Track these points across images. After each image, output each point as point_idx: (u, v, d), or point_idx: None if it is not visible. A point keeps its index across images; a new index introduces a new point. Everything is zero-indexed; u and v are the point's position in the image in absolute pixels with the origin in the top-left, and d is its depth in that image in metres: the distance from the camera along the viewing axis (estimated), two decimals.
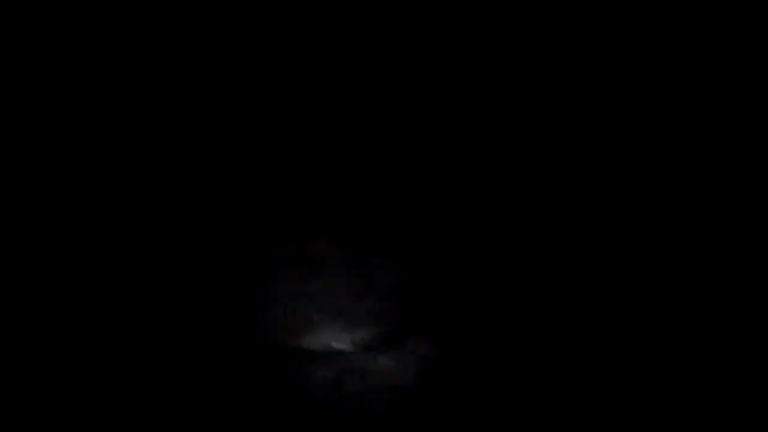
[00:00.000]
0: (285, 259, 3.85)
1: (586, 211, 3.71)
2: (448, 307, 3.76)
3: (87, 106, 3.69)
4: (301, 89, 3.87)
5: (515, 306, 3.67)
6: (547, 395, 3.11)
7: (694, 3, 3.56)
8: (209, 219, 3.85)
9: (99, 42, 3.65)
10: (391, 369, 3.45)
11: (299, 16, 3.73)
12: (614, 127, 3.72)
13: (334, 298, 3.78)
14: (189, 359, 3.42)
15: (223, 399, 3.18)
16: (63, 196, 3.60)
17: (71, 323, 3.46)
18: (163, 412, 3.05)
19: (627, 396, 3.04)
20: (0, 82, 3.56)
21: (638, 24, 3.67)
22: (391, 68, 3.80)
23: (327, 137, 3.87)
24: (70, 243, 3.55)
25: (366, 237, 3.89)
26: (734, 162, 3.53)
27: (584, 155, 3.75)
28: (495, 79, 3.80)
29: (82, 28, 3.64)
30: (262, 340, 3.61)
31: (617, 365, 3.23)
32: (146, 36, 3.66)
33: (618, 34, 3.66)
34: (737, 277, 3.29)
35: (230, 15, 3.70)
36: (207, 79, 3.78)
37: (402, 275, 3.83)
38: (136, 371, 3.30)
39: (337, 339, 3.66)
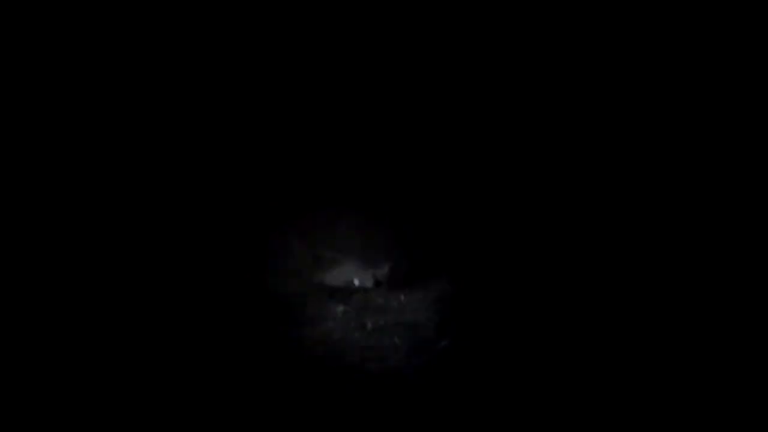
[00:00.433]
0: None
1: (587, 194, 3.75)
2: (461, 248, 3.88)
3: (86, 105, 3.68)
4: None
5: (525, 247, 3.77)
6: (554, 332, 3.26)
7: (694, 3, 3.53)
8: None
9: (98, 42, 3.62)
10: (409, 306, 3.61)
11: (299, 15, 3.70)
12: (615, 128, 3.73)
13: (353, 240, 3.89)
14: (215, 297, 3.55)
15: (248, 335, 3.32)
16: (63, 193, 3.62)
17: (80, 285, 3.54)
18: (191, 348, 3.21)
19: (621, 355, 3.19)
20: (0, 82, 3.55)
21: (638, 24, 3.64)
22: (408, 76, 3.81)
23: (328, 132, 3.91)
24: (73, 232, 3.60)
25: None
26: (734, 162, 3.54)
27: (584, 155, 3.76)
28: (512, 86, 3.79)
29: (83, 28, 3.60)
30: (284, 278, 3.75)
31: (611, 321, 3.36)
32: (143, 35, 3.64)
33: (618, 34, 3.64)
34: (737, 277, 3.32)
35: (229, 14, 3.68)
36: (207, 79, 3.79)
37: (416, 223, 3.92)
38: (156, 309, 3.43)
39: (358, 276, 3.81)
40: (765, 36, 3.53)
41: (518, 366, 3.07)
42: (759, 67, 3.56)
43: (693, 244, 3.56)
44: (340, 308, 3.60)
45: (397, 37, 3.80)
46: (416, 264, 3.84)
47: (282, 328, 3.39)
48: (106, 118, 3.76)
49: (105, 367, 3.05)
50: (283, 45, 3.82)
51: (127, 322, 3.32)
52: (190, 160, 3.81)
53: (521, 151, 3.88)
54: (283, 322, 3.45)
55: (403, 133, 3.90)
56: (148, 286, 3.51)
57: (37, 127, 3.66)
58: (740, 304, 3.26)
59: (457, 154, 3.91)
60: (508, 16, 3.75)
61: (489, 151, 3.90)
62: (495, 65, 3.85)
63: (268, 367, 3.09)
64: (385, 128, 3.89)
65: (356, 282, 3.81)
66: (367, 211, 3.92)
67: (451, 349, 3.24)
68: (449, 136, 3.91)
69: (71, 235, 3.61)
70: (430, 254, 3.87)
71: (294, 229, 3.87)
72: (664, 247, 3.58)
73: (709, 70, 3.66)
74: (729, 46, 3.61)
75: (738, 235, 3.51)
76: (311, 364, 3.15)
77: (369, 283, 3.80)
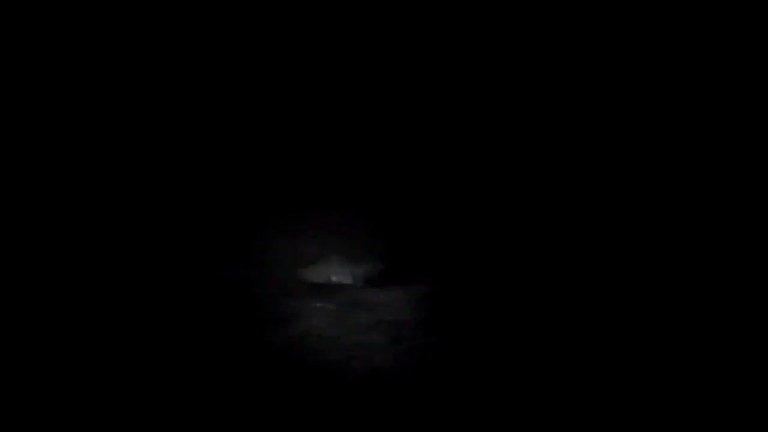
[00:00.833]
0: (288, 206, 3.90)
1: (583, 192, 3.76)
2: (443, 246, 3.89)
3: (85, 105, 3.60)
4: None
5: (506, 245, 3.80)
6: (536, 329, 3.29)
7: (694, 3, 3.55)
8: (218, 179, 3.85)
9: (97, 42, 3.54)
10: (390, 303, 3.60)
11: (298, 15, 3.65)
12: (615, 128, 3.73)
13: (335, 236, 3.87)
14: (195, 293, 3.50)
15: (228, 332, 3.28)
16: (61, 191, 3.55)
17: (77, 281, 3.48)
18: (170, 346, 3.15)
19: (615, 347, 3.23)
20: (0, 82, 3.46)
21: (638, 24, 3.65)
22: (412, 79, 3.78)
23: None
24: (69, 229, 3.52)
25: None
26: (734, 162, 3.56)
27: (583, 156, 3.77)
28: (515, 90, 3.78)
29: (82, 28, 3.51)
30: (264, 274, 3.71)
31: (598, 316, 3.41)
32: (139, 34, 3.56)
33: (618, 34, 3.64)
34: (737, 277, 3.33)
35: (228, 13, 3.62)
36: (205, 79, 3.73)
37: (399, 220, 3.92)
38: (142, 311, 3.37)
39: (337, 273, 3.78)
40: (765, 36, 3.56)
41: (501, 363, 3.08)
42: (759, 67, 3.60)
43: (693, 244, 3.57)
44: (322, 305, 3.57)
45: (380, 35, 3.78)
46: (398, 261, 3.84)
47: (262, 326, 3.35)
48: (81, 111, 3.68)
49: (78, 364, 2.98)
50: (264, 46, 3.78)
51: (104, 317, 3.25)
52: (170, 157, 3.76)
53: (501, 151, 3.90)
54: (263, 319, 3.41)
55: (385, 132, 3.89)
56: (126, 283, 3.44)
57: (33, 127, 3.58)
58: (739, 304, 3.29)
59: (439, 154, 3.91)
60: (497, 15, 3.76)
61: (470, 151, 3.91)
62: (475, 64, 3.85)
63: (247, 365, 3.05)
64: (367, 127, 3.88)
65: (338, 279, 3.79)
66: (349, 208, 3.91)
67: (434, 347, 3.24)
68: (431, 135, 3.91)
69: (42, 230, 3.53)
70: (412, 251, 3.87)
71: (275, 225, 3.84)
72: (645, 240, 3.62)
73: (709, 70, 3.69)
74: (729, 46, 3.65)
75: (737, 235, 3.54)
76: (292, 363, 3.11)
77: (351, 280, 3.78)
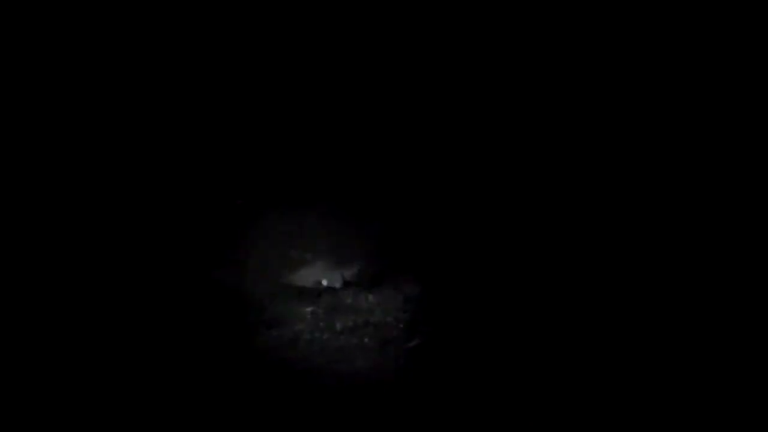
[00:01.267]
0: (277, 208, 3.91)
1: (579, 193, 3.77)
2: (431, 248, 3.88)
3: (84, 105, 3.60)
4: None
5: (495, 247, 3.80)
6: (524, 332, 3.29)
7: (694, 3, 3.57)
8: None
9: (97, 42, 3.55)
10: (378, 306, 3.60)
11: (298, 15, 3.66)
12: (615, 129, 3.74)
13: (323, 239, 3.86)
14: (182, 297, 3.49)
15: (215, 337, 3.27)
16: (50, 192, 3.55)
17: (71, 281, 3.45)
18: (156, 349, 3.14)
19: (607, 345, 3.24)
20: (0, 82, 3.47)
21: (638, 24, 3.67)
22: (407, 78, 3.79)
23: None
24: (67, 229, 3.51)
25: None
26: (734, 162, 3.58)
27: (583, 157, 3.78)
28: (512, 88, 3.79)
29: (82, 28, 3.52)
30: (251, 278, 3.69)
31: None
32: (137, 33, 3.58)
33: (618, 34, 3.66)
34: (737, 277, 3.32)
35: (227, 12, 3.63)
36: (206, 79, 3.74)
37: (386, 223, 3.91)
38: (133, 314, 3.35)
39: (325, 276, 3.78)
40: (765, 36, 3.56)
41: (488, 365, 3.09)
42: (759, 67, 3.60)
43: (693, 244, 3.55)
44: (309, 309, 3.57)
45: (367, 34, 3.79)
46: (385, 264, 3.83)
47: (250, 330, 3.35)
48: (72, 112, 3.67)
49: (65, 366, 2.97)
50: (254, 46, 3.78)
51: (91, 320, 3.23)
52: (156, 158, 3.75)
53: (490, 152, 3.91)
54: (250, 323, 3.41)
55: (372, 133, 3.89)
56: (111, 286, 3.43)
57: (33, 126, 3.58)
58: (738, 304, 3.27)
59: (426, 155, 3.91)
60: (493, 15, 3.76)
61: (458, 151, 3.91)
62: (463, 65, 3.86)
63: (235, 369, 3.05)
64: (354, 128, 3.88)
65: (325, 282, 3.78)
66: (336, 210, 3.90)
67: (421, 349, 3.25)
68: (419, 135, 3.92)
69: (38, 231, 3.53)
70: (400, 254, 3.86)
71: (262, 228, 3.83)
72: (664, 246, 3.58)
73: (709, 70, 3.70)
74: (729, 46, 3.65)
75: (737, 235, 3.53)
76: (280, 366, 3.12)
77: (338, 283, 3.78)
